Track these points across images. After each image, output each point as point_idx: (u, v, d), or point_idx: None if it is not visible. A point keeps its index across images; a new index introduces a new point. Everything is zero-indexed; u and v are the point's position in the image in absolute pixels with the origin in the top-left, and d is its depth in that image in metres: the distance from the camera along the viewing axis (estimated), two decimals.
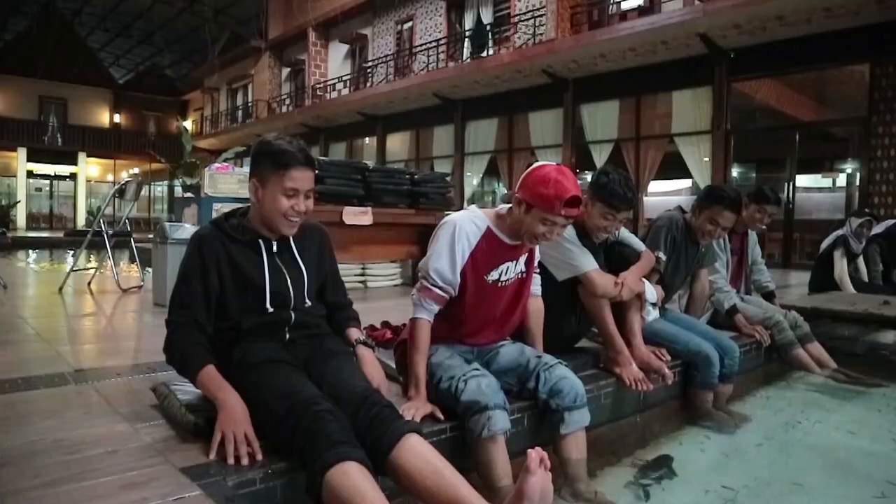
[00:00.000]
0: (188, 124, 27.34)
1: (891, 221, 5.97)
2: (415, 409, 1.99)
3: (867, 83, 9.03)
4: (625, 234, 2.87)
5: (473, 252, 2.10)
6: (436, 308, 2.12)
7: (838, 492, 2.29)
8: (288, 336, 1.94)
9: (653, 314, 2.77)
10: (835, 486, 2.36)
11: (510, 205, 2.15)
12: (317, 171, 1.96)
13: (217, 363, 1.82)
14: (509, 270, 2.19)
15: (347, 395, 1.76)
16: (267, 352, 1.86)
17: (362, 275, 5.94)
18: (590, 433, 2.23)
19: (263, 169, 1.87)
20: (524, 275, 2.26)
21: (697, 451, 2.69)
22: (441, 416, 2.02)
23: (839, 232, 5.53)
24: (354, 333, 2.09)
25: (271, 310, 1.90)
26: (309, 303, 1.99)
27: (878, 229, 5.85)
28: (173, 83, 32.12)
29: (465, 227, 2.10)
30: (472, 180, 15.23)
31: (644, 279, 2.75)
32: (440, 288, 2.09)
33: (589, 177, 13.49)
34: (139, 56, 31.37)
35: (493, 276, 2.15)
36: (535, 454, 1.42)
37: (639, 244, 2.89)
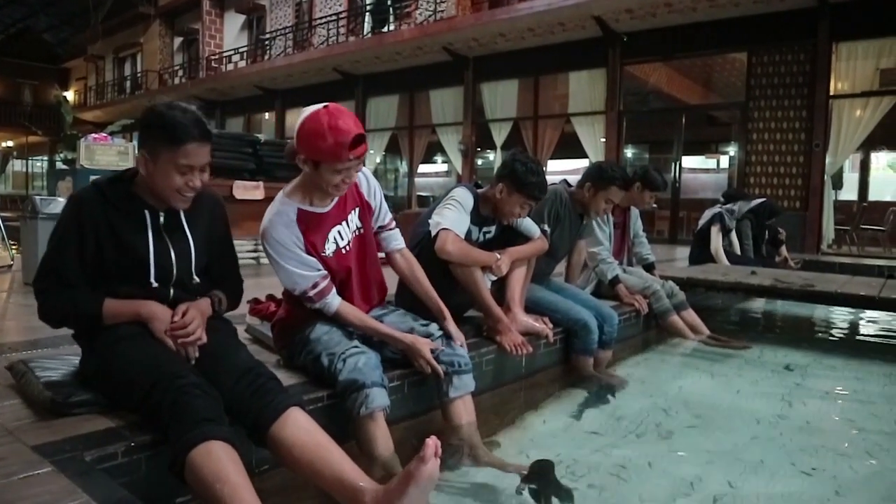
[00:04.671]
0: (70, 95, 25.51)
1: (759, 200, 6.45)
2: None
3: (745, 70, 9.62)
4: (526, 221, 2.89)
5: (304, 240, 2.06)
6: (335, 293, 2.10)
7: (707, 444, 2.47)
8: None
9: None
10: (704, 438, 2.53)
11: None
12: (211, 139, 1.81)
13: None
14: (343, 234, 2.15)
15: (230, 366, 1.71)
16: (137, 325, 1.76)
17: (255, 251, 5.76)
18: (475, 398, 2.26)
19: (154, 142, 1.70)
20: (362, 231, 2.22)
21: (578, 412, 2.82)
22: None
23: (715, 209, 5.90)
24: (216, 294, 1.95)
25: (155, 285, 1.79)
26: (197, 280, 1.88)
27: (749, 206, 6.31)
28: (52, 49, 29.70)
29: (278, 229, 2.03)
30: (374, 157, 15.09)
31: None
32: (319, 277, 2.06)
33: (491, 156, 13.76)
34: (9, 17, 28.73)
35: (330, 248, 2.12)
36: (432, 443, 1.42)
37: (535, 232, 2.91)
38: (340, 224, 2.14)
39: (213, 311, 1.90)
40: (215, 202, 1.97)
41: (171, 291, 1.84)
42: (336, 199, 2.12)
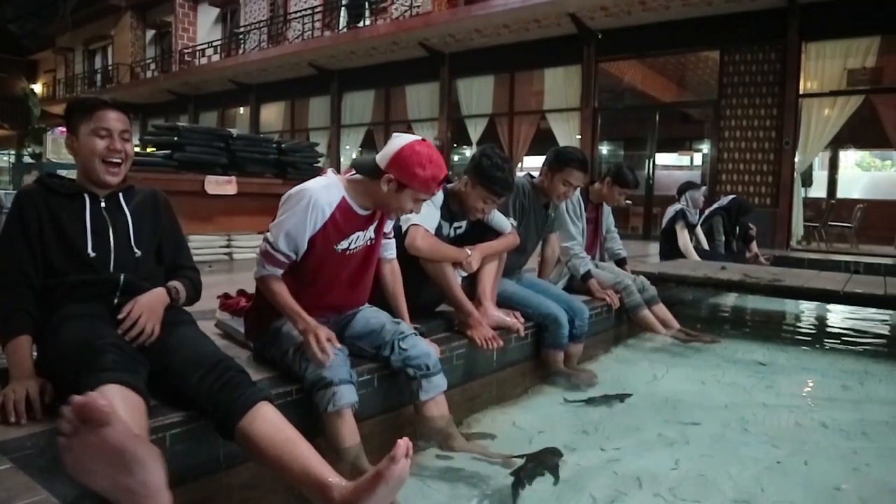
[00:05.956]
0: (38, 87, 24.99)
1: (731, 196, 6.55)
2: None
3: (718, 69, 9.73)
4: (497, 216, 2.89)
5: (326, 223, 2.06)
6: (279, 272, 2.08)
7: (675, 438, 2.50)
8: (117, 301, 1.83)
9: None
10: (671, 431, 2.56)
11: (358, 174, 2.12)
12: (129, 116, 1.95)
13: (35, 335, 1.72)
14: (359, 239, 2.17)
15: (196, 357, 1.70)
16: (84, 309, 1.75)
17: (227, 246, 5.70)
18: (447, 392, 2.26)
19: (74, 122, 1.86)
20: (373, 241, 2.24)
21: (547, 406, 2.84)
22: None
23: (676, 206, 5.97)
24: (172, 283, 1.96)
25: (93, 254, 1.81)
26: (138, 252, 1.90)
27: (721, 203, 6.41)
28: (18, 40, 29.00)
29: (320, 198, 2.03)
30: (349, 153, 15.00)
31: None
32: (284, 255, 2.05)
33: (466, 152, 13.75)
34: None
35: (343, 245, 2.13)
36: (404, 444, 1.42)
37: (506, 227, 2.92)
38: (362, 231, 2.17)
39: (171, 299, 1.90)
40: (158, 196, 2.06)
41: (122, 278, 1.84)
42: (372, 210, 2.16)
